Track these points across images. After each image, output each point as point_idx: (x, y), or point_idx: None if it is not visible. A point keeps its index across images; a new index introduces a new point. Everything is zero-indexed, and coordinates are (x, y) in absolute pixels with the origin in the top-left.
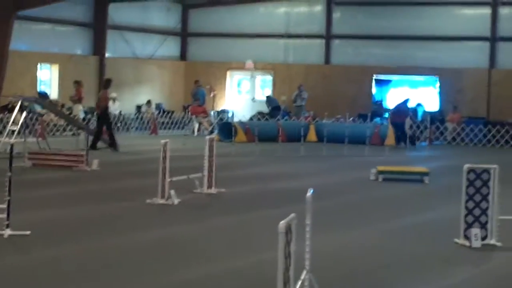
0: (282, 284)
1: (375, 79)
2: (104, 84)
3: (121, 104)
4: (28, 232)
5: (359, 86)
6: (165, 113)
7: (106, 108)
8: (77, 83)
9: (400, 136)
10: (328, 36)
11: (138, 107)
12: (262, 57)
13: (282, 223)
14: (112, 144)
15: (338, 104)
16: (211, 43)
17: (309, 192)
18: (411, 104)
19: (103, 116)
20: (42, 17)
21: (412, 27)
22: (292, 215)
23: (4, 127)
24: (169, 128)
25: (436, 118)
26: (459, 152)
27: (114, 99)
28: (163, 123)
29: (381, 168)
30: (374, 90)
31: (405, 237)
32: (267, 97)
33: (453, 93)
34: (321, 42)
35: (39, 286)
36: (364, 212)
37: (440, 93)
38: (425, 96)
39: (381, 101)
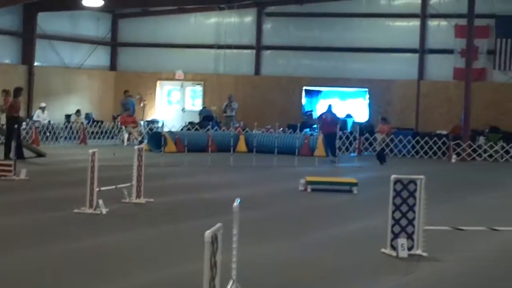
0: None
1: (305, 90)
2: (15, 92)
3: (50, 113)
4: None
5: (289, 97)
6: (95, 122)
7: (14, 117)
8: (5, 92)
9: (330, 148)
10: (259, 47)
11: (67, 117)
12: (193, 67)
13: (208, 233)
14: (6, 154)
15: (268, 115)
16: (141, 53)
17: (236, 202)
18: (336, 110)
19: (12, 124)
20: None
21: (343, 38)
22: (218, 224)
23: None
24: (99, 138)
25: (365, 129)
26: (388, 163)
27: (43, 109)
28: (92, 132)
29: (310, 178)
30: (304, 101)
31: (333, 248)
32: (203, 108)
33: (383, 104)
34: (251, 52)
35: None
36: (292, 222)
37: (370, 104)
38: (354, 107)
39: (311, 112)
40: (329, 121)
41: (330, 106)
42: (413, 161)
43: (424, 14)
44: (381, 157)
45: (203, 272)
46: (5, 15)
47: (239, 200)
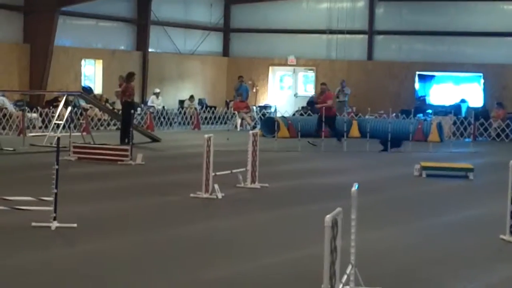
0: (328, 278)
1: (418, 75)
2: (127, 78)
3: (164, 99)
4: (75, 225)
5: (402, 82)
6: (208, 108)
7: (128, 102)
8: (121, 78)
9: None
10: (371, 32)
11: (181, 102)
12: (305, 53)
13: (328, 217)
14: (123, 140)
15: (381, 100)
16: (253, 38)
17: (354, 187)
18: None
19: (127, 109)
20: (85, 13)
21: (456, 22)
22: (338, 209)
23: (50, 121)
24: (212, 123)
25: (480, 114)
26: (504, 148)
27: (157, 94)
28: (205, 118)
29: (424, 164)
30: (417, 86)
31: (450, 234)
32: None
33: (498, 89)
34: (363, 38)
35: (86, 278)
36: (408, 208)
37: (485, 89)
38: (469, 92)
39: (424, 97)
40: (321, 101)
41: (322, 85)
42: None
43: None
44: (385, 143)
45: (323, 256)
46: (121, 2)
47: (357, 185)
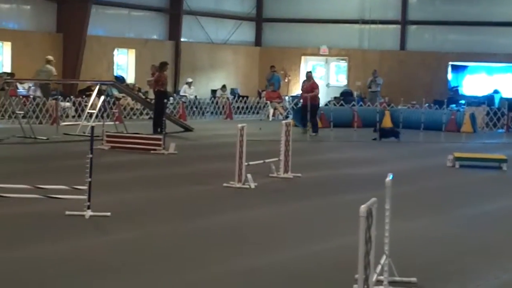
0: (363, 268)
1: (451, 65)
2: (160, 67)
3: (196, 89)
4: (108, 214)
5: (435, 72)
6: (240, 98)
7: (161, 91)
8: (154, 67)
9: (312, 121)
10: (404, 22)
11: (213, 92)
12: (337, 42)
13: (363, 207)
14: (156, 130)
15: (414, 90)
16: (285, 28)
17: (389, 177)
18: (315, 77)
19: (160, 98)
20: (118, 2)
21: (490, 12)
22: (373, 199)
23: (83, 110)
24: (244, 113)
25: None
26: None
27: (189, 84)
28: (237, 108)
29: (458, 154)
30: (450, 76)
31: (485, 224)
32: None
33: None
34: (396, 27)
35: (119, 267)
36: (442, 198)
37: None
38: (502, 82)
39: (457, 87)
40: (305, 89)
41: (308, 73)
42: None
43: None
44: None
45: (358, 247)
46: None
47: (391, 175)
